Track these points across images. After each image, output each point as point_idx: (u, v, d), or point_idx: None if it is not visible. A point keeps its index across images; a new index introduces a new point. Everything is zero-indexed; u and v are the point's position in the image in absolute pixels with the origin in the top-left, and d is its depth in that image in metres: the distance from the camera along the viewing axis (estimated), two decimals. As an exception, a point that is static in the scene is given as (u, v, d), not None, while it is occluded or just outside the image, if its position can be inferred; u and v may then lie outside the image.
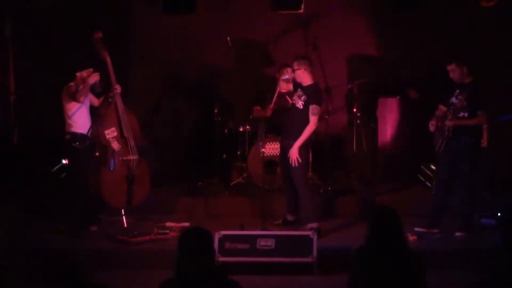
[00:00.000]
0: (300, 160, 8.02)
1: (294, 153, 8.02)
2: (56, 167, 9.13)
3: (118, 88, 8.38)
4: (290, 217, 8.52)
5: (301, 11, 8.93)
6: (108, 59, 8.32)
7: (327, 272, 7.16)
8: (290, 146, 8.06)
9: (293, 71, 8.24)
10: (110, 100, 8.40)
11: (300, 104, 8.10)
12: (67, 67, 9.63)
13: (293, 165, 8.04)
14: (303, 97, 8.09)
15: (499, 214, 8.13)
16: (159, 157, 9.70)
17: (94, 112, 8.41)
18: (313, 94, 8.10)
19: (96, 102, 8.46)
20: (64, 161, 9.07)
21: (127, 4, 10.05)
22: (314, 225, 7.95)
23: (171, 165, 10.28)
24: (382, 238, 4.57)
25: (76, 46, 9.72)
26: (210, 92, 10.33)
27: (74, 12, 9.82)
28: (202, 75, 10.42)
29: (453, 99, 7.86)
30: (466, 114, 7.79)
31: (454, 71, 7.93)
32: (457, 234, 7.90)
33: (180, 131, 10.57)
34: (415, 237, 7.73)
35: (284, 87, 8.76)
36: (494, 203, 8.47)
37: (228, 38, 9.82)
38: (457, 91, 7.85)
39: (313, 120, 8.02)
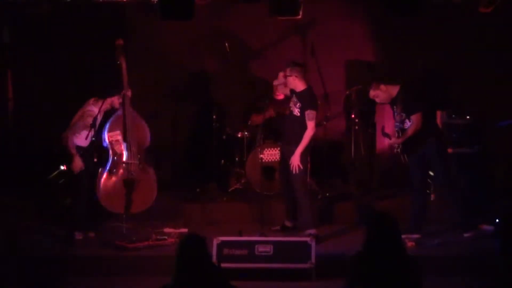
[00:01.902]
0: (301, 167, 8.04)
1: (295, 160, 8.04)
2: (54, 173, 9.12)
3: (129, 93, 8.49)
4: (288, 223, 8.52)
5: (299, 17, 8.92)
6: (124, 65, 8.49)
7: (325, 278, 7.15)
8: (291, 151, 8.08)
9: (285, 77, 8.27)
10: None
11: (297, 112, 8.14)
12: (65, 73, 9.67)
13: (294, 172, 8.05)
14: (298, 104, 8.13)
15: (497, 220, 8.15)
16: (157, 163, 9.67)
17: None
18: (307, 99, 8.14)
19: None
20: (62, 167, 9.07)
21: (124, 10, 10.04)
22: (312, 231, 7.96)
23: (169, 171, 10.27)
24: (379, 244, 4.56)
25: (74, 52, 9.73)
26: (208, 98, 10.34)
27: (71, 19, 9.82)
28: (200, 81, 10.42)
29: (396, 117, 7.94)
30: (409, 123, 7.91)
31: (377, 97, 8.10)
32: (466, 235, 7.91)
33: (178, 137, 10.56)
34: (413, 243, 7.73)
35: (282, 91, 8.79)
36: (493, 209, 8.46)
37: (227, 44, 9.84)
38: (394, 107, 7.95)
39: (310, 125, 8.05)
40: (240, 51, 10.25)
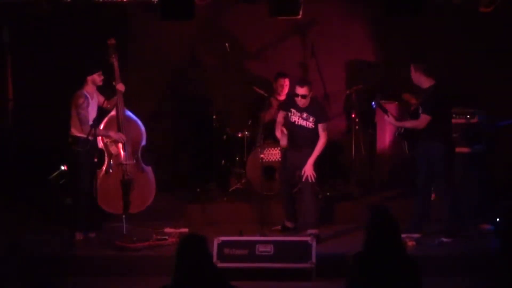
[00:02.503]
0: (315, 175, 8.14)
1: (309, 170, 8.12)
2: (55, 173, 9.12)
3: (121, 87, 8.49)
4: (289, 224, 8.53)
5: (299, 17, 8.93)
6: (116, 65, 8.52)
7: (325, 278, 7.16)
8: (304, 154, 8.16)
9: (302, 96, 8.19)
10: (110, 102, 8.55)
11: (311, 125, 8.21)
12: (65, 73, 9.67)
13: (309, 180, 8.09)
14: (312, 118, 8.19)
15: (498, 219, 8.15)
16: (158, 163, 9.68)
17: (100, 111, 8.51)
18: (320, 112, 8.28)
19: (101, 101, 8.51)
20: (63, 167, 9.08)
21: (125, 10, 10.04)
22: (314, 231, 7.97)
23: (169, 171, 10.28)
24: (379, 244, 4.56)
25: (74, 52, 9.73)
26: (209, 98, 10.33)
27: (71, 19, 9.82)
28: (201, 81, 10.42)
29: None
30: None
31: (411, 74, 8.02)
32: (443, 239, 7.91)
33: (178, 137, 10.57)
34: (413, 243, 7.73)
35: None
36: (493, 209, 8.47)
37: (227, 44, 9.83)
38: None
39: (325, 136, 8.21)
40: (240, 51, 10.25)
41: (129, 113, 8.62)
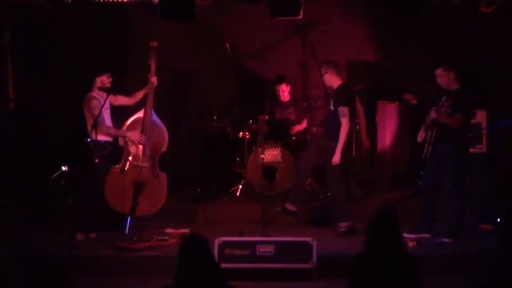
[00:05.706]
0: (339, 164, 8.23)
1: (336, 159, 8.20)
2: (56, 174, 9.13)
3: (154, 81, 8.63)
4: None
5: (300, 17, 8.95)
6: (154, 67, 8.63)
7: (326, 278, 7.16)
8: (330, 146, 8.24)
9: (321, 75, 8.37)
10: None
11: (331, 106, 8.30)
12: (65, 73, 9.69)
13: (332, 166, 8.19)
14: (332, 100, 8.30)
15: (498, 220, 8.16)
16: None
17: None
18: (339, 95, 8.30)
19: (126, 101, 8.56)
20: (63, 168, 9.08)
21: (125, 11, 10.05)
22: (344, 224, 8.11)
23: (170, 171, 10.27)
24: (380, 244, 4.58)
25: (74, 53, 9.75)
26: (209, 98, 10.34)
27: (72, 20, 9.83)
28: (201, 81, 10.42)
29: (440, 106, 7.86)
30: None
31: (441, 76, 7.95)
32: (443, 240, 7.90)
33: (179, 137, 10.57)
34: (414, 243, 7.73)
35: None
36: (493, 209, 8.46)
37: (227, 44, 9.84)
38: (444, 97, 7.87)
39: (343, 122, 8.19)
40: (240, 52, 10.26)
41: (156, 117, 8.63)
